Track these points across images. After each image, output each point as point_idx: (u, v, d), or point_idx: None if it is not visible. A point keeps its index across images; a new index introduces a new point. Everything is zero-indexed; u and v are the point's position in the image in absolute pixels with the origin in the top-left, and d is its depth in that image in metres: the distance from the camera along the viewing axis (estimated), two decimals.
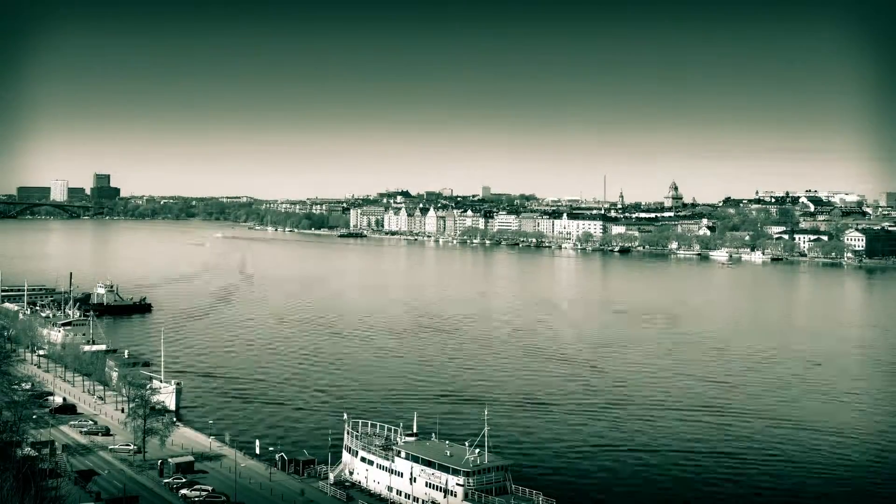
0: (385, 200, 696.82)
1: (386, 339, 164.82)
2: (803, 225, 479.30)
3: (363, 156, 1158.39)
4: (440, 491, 73.27)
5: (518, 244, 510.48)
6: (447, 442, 79.45)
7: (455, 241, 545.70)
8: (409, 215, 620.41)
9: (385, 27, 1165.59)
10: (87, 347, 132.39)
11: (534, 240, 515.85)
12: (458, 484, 72.07)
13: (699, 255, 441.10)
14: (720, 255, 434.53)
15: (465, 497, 71.55)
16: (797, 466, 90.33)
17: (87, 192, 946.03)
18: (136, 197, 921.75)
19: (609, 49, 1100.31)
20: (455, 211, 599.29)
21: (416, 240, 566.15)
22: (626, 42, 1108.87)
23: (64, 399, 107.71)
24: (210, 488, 75.41)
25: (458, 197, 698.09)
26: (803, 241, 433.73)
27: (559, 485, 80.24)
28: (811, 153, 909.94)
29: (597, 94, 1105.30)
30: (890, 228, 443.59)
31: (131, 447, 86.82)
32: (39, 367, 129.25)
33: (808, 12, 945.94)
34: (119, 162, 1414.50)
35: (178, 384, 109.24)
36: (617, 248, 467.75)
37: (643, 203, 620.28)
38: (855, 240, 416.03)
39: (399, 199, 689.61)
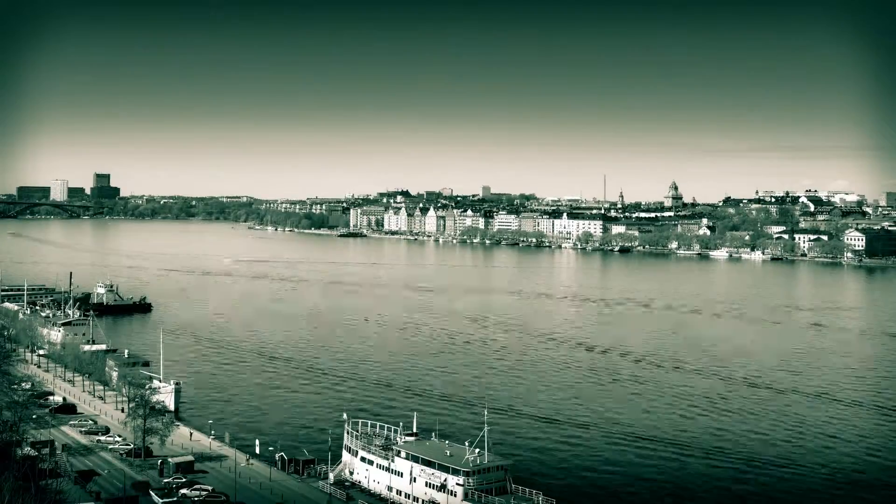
0: (385, 200, 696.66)
1: (386, 338, 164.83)
2: (803, 225, 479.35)
3: (363, 156, 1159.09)
4: (440, 491, 73.27)
5: (518, 244, 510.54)
6: (447, 442, 79.47)
7: (455, 241, 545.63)
8: (409, 215, 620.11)
9: (385, 27, 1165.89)
10: (87, 347, 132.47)
11: (534, 239, 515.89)
12: (458, 484, 72.08)
13: (699, 254, 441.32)
14: (720, 254, 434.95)
15: (465, 497, 71.56)
16: (800, 468, 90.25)
17: (87, 191, 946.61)
18: (136, 197, 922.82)
19: (609, 49, 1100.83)
20: (455, 211, 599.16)
21: (416, 239, 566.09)
22: (626, 42, 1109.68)
23: (64, 399, 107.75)
24: (210, 488, 75.43)
25: (458, 197, 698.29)
26: (803, 240, 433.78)
27: (559, 485, 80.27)
28: (811, 152, 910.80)
29: (597, 94, 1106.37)
30: (890, 228, 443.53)
31: (131, 447, 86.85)
32: (39, 366, 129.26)
33: (807, 11, 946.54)
34: (119, 162, 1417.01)
35: (177, 384, 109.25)
36: (617, 248, 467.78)
37: (643, 203, 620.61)
38: (855, 239, 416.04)
39: (399, 198, 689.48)
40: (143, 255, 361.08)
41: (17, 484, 57.96)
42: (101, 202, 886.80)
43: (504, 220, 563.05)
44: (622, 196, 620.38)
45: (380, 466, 79.12)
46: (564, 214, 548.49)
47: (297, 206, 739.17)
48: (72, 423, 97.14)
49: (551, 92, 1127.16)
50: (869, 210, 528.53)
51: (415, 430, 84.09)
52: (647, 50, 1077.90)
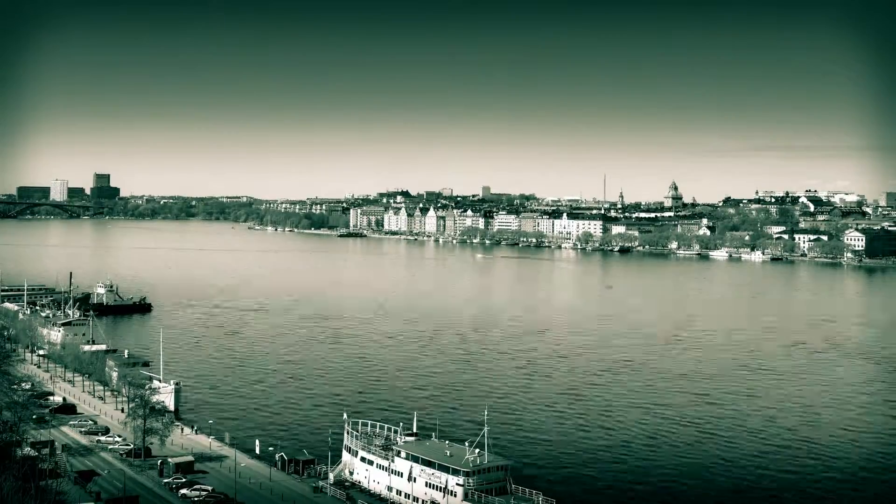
0: (385, 200, 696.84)
1: (386, 338, 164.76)
2: (803, 225, 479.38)
3: (363, 156, 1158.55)
4: (440, 491, 73.26)
5: (518, 244, 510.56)
6: (447, 442, 79.42)
7: (455, 241, 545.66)
8: (409, 215, 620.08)
9: (385, 27, 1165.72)
10: (87, 347, 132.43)
11: (534, 240, 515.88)
12: (458, 484, 72.05)
13: (699, 255, 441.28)
14: (720, 254, 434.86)
15: (465, 497, 71.53)
16: (800, 469, 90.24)
17: (87, 191, 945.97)
18: (136, 197, 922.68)
19: (609, 49, 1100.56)
20: (455, 211, 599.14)
21: (415, 240, 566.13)
22: (625, 42, 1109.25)
23: (64, 399, 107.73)
24: (210, 488, 75.42)
25: (458, 197, 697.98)
26: (803, 241, 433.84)
27: (559, 485, 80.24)
28: (811, 152, 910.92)
29: (597, 94, 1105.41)
30: (890, 228, 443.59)
31: (131, 447, 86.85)
32: (39, 367, 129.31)
33: (807, 11, 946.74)
34: (119, 162, 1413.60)
35: (177, 384, 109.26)
36: (617, 248, 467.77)
37: (643, 203, 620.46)
38: (855, 240, 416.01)
39: (399, 199, 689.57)
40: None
41: (17, 484, 58.00)
42: (101, 202, 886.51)
43: (504, 220, 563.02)
44: (622, 196, 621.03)
45: (380, 466, 79.10)
46: (564, 214, 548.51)
47: (297, 206, 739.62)
48: (72, 423, 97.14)
49: (551, 92, 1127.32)
50: (869, 210, 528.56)
51: (415, 430, 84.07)
52: (647, 50, 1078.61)
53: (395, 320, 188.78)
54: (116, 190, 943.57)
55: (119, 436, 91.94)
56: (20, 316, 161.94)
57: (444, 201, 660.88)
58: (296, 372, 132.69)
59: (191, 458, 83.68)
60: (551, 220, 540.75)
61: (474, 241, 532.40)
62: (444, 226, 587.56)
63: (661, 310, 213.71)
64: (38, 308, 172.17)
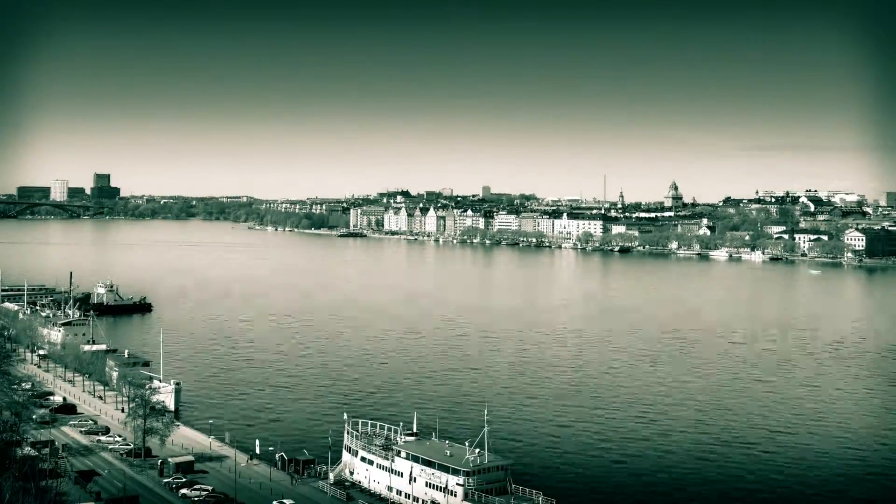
0: (385, 200, 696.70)
1: (386, 338, 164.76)
2: (803, 225, 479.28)
3: (363, 156, 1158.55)
4: (440, 491, 73.29)
5: (518, 244, 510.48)
6: (447, 442, 79.48)
7: (455, 241, 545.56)
8: (409, 215, 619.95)
9: (385, 27, 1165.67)
10: (87, 347, 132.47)
11: (534, 240, 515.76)
12: (458, 484, 72.09)
13: (699, 255, 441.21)
14: (720, 254, 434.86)
15: (465, 497, 71.56)
16: (799, 468, 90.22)
17: (87, 191, 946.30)
18: (136, 197, 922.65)
19: (609, 49, 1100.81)
20: (455, 211, 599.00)
21: (416, 239, 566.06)
22: (625, 41, 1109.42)
23: (64, 399, 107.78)
24: (210, 488, 75.46)
25: (458, 197, 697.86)
26: (803, 240, 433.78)
27: (559, 485, 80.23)
28: (811, 151, 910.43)
29: (597, 94, 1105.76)
30: (890, 228, 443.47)
31: (131, 447, 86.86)
32: (39, 367, 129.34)
33: (807, 10, 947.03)
34: (119, 162, 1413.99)
35: (177, 384, 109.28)
36: (617, 248, 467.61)
37: (643, 203, 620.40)
38: (855, 240, 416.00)
39: (399, 198, 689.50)
40: None
41: (18, 484, 58.03)
42: (101, 202, 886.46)
43: (504, 220, 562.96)
44: (622, 196, 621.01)
45: (380, 466, 79.13)
46: (564, 214, 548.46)
47: (297, 206, 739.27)
48: (72, 422, 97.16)
49: (551, 91, 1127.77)
50: (869, 210, 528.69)
51: (415, 430, 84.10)
52: (647, 49, 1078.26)
53: (395, 320, 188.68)
54: (117, 190, 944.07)
55: (119, 436, 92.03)
56: (20, 316, 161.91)
57: (444, 201, 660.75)
58: (296, 372, 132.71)
59: (191, 458, 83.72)
60: (551, 220, 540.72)
61: (474, 240, 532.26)
62: (445, 226, 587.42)
63: (661, 310, 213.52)
64: (38, 308, 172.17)
